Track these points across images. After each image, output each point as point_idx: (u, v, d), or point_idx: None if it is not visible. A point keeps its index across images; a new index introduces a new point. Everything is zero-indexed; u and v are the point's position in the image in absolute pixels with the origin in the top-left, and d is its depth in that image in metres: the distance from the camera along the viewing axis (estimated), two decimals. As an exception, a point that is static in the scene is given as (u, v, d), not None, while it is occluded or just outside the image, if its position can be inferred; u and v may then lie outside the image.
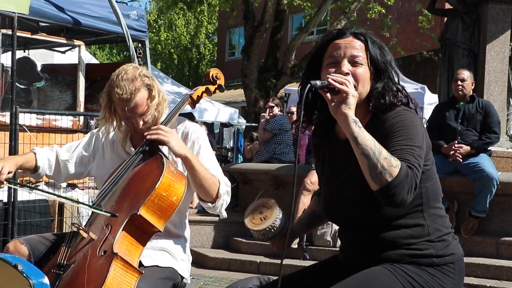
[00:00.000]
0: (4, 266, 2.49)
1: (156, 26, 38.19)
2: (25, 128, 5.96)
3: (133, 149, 3.07)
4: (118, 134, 3.13)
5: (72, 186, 6.49)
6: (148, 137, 2.86)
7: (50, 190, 5.81)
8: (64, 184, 6.20)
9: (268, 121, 8.70)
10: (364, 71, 2.34)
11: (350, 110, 2.19)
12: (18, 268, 2.46)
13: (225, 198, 2.98)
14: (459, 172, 6.43)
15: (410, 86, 13.91)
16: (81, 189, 6.52)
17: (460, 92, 6.59)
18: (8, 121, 5.78)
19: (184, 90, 16.82)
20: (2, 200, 5.63)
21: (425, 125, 5.52)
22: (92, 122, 7.89)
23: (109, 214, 2.69)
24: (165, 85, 16.49)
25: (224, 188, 2.96)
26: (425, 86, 14.25)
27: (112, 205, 2.78)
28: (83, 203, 2.74)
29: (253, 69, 15.40)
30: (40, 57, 9.33)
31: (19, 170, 3.22)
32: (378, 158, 2.09)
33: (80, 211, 5.96)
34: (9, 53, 6.02)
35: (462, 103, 6.62)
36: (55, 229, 5.92)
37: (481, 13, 7.57)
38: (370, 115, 2.38)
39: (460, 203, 6.52)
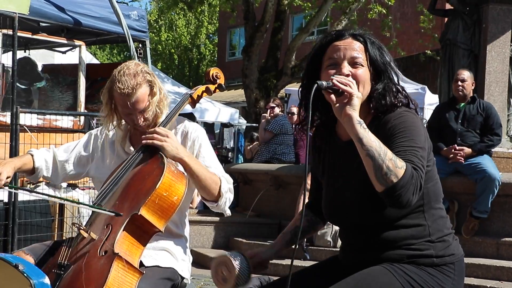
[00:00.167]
0: (5, 266, 2.49)
1: (157, 26, 38.19)
2: (26, 128, 5.96)
3: (132, 149, 3.06)
4: (118, 132, 3.12)
5: (73, 186, 6.48)
6: (143, 142, 2.86)
7: (51, 191, 5.83)
8: (64, 184, 6.20)
9: (268, 122, 8.71)
10: (364, 72, 2.34)
11: (354, 112, 2.20)
12: (19, 268, 2.46)
13: (228, 196, 2.98)
14: (460, 172, 6.43)
15: (411, 87, 13.91)
16: (82, 189, 6.52)
17: (460, 92, 6.59)
18: (8, 121, 5.78)
19: (184, 90, 16.80)
20: (2, 200, 5.63)
21: (425, 126, 5.51)
22: (94, 122, 7.89)
23: (113, 214, 2.68)
24: (166, 85, 16.47)
25: (226, 186, 2.96)
26: (426, 87, 14.26)
27: (112, 205, 2.78)
28: (85, 204, 2.73)
29: (254, 69, 15.40)
30: (41, 57, 9.33)
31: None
32: (383, 159, 2.09)
33: (81, 211, 5.96)
34: (10, 53, 6.02)
35: (462, 104, 6.62)
36: (56, 229, 5.92)
37: (482, 14, 7.57)
38: (371, 117, 2.38)
39: (460, 203, 6.52)
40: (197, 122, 12.39)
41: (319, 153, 2.58)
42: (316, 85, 2.23)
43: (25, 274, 2.44)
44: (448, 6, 8.50)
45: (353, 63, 2.34)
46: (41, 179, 3.27)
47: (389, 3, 16.56)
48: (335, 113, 2.25)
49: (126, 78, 2.88)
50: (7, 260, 2.51)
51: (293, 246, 2.36)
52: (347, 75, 2.29)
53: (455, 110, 6.62)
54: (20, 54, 7.17)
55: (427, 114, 12.59)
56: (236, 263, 2.49)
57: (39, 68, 8.16)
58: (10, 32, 6.00)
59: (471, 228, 6.35)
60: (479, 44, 7.55)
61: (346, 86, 2.22)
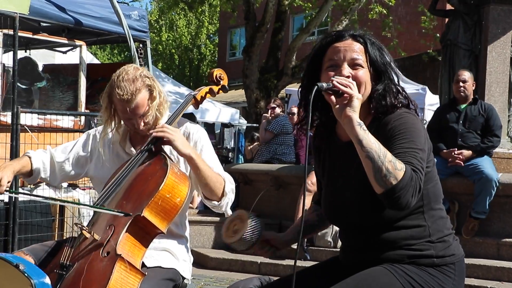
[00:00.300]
0: (6, 266, 2.49)
1: (157, 26, 38.18)
2: (27, 128, 5.96)
3: (133, 150, 3.06)
4: (115, 135, 3.12)
5: (73, 186, 6.48)
6: (154, 134, 2.84)
7: (51, 192, 5.82)
8: (65, 184, 6.20)
9: (269, 122, 8.70)
10: (364, 73, 2.34)
11: (354, 113, 2.20)
12: (20, 268, 2.46)
13: (230, 196, 2.98)
14: (460, 173, 6.44)
15: (411, 87, 13.90)
16: (82, 189, 6.52)
17: (462, 93, 6.61)
18: (9, 121, 5.78)
19: (185, 91, 16.82)
20: (3, 200, 5.62)
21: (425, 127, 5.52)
22: (95, 122, 7.89)
23: (122, 214, 2.68)
24: (166, 86, 16.49)
25: (230, 186, 2.97)
26: (426, 87, 14.24)
27: (115, 206, 2.78)
28: (93, 206, 2.71)
29: (254, 69, 15.39)
30: (42, 57, 9.33)
31: None
32: (383, 161, 2.10)
33: (81, 212, 5.95)
34: (11, 53, 6.02)
35: (464, 105, 6.64)
36: (56, 229, 5.92)
37: (483, 14, 7.57)
38: (371, 117, 2.38)
39: (461, 204, 6.53)
40: (197, 122, 12.38)
41: (319, 153, 2.58)
42: (316, 87, 2.23)
43: (25, 274, 2.44)
44: (448, 7, 8.50)
45: (353, 65, 2.34)
46: (38, 180, 3.26)
47: (390, 3, 16.55)
48: (335, 115, 2.25)
49: (125, 83, 2.88)
50: (8, 260, 2.51)
51: (295, 247, 2.36)
52: (348, 77, 2.29)
53: (456, 111, 6.64)
54: (20, 54, 7.16)
55: (428, 114, 12.59)
56: (251, 219, 2.55)
57: (40, 68, 8.16)
58: (11, 32, 6.00)
59: (471, 229, 6.36)
60: (480, 44, 7.55)
61: (346, 87, 2.23)
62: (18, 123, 5.60)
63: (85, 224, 2.88)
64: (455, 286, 2.34)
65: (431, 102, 13.43)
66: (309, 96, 2.23)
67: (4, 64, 6.67)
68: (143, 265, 2.76)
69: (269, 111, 8.90)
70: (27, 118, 6.12)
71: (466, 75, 6.66)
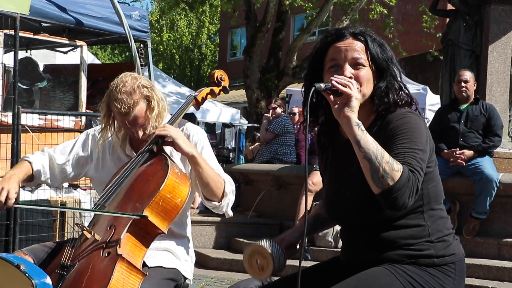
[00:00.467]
0: (7, 266, 2.49)
1: (158, 26, 38.20)
2: (28, 128, 5.96)
3: (134, 152, 3.07)
4: (115, 138, 3.12)
5: (74, 187, 6.48)
6: (156, 133, 2.84)
7: (52, 192, 5.82)
8: (65, 185, 6.20)
9: (270, 122, 8.70)
10: (366, 72, 2.34)
11: (353, 113, 2.20)
12: (21, 268, 2.46)
13: (231, 197, 2.99)
14: (461, 173, 6.44)
15: (412, 87, 13.89)
16: (83, 190, 6.52)
17: (463, 93, 6.62)
18: (10, 121, 5.78)
19: (186, 91, 16.81)
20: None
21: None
22: (96, 123, 7.88)
23: (138, 217, 2.68)
24: (167, 86, 16.49)
25: (230, 187, 2.97)
26: (427, 87, 14.24)
27: (116, 207, 2.78)
28: (107, 212, 2.70)
29: (255, 69, 15.40)
30: (42, 58, 9.32)
31: None
32: (380, 162, 2.10)
33: (82, 212, 5.95)
34: (11, 53, 6.02)
35: (465, 105, 6.65)
36: (57, 229, 5.92)
37: (484, 14, 7.57)
38: (374, 115, 2.38)
39: (462, 204, 6.53)
40: (198, 123, 12.31)
41: (323, 150, 2.58)
42: (313, 88, 2.23)
43: (26, 274, 2.44)
44: (449, 7, 8.50)
45: (355, 64, 2.34)
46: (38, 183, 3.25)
47: (390, 3, 16.55)
48: (334, 114, 2.25)
49: (122, 96, 2.88)
50: (9, 260, 2.51)
51: (298, 247, 2.36)
52: (349, 78, 2.29)
53: (458, 111, 6.64)
54: (21, 54, 7.16)
55: (429, 114, 12.58)
56: (269, 249, 2.51)
57: (41, 68, 8.16)
58: (11, 32, 6.00)
59: (471, 229, 6.36)
60: (481, 44, 7.55)
61: (345, 87, 2.22)
62: (19, 123, 5.60)
63: (86, 224, 2.88)
64: (455, 286, 2.33)
65: (432, 102, 13.43)
66: (308, 97, 2.24)
67: (5, 65, 6.66)
68: (144, 264, 2.76)
69: (270, 111, 8.90)
70: (28, 118, 6.12)
71: (468, 75, 6.66)
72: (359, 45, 2.36)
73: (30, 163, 3.10)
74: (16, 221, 5.50)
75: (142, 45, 8.13)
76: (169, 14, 34.99)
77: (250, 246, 2.61)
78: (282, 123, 8.64)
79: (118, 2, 7.62)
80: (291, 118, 9.01)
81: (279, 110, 8.88)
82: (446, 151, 6.46)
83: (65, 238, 5.62)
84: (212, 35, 39.93)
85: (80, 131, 7.02)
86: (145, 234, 2.72)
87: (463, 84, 6.62)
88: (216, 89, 3.26)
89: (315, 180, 6.67)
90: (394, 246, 2.32)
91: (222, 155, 15.46)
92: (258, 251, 2.55)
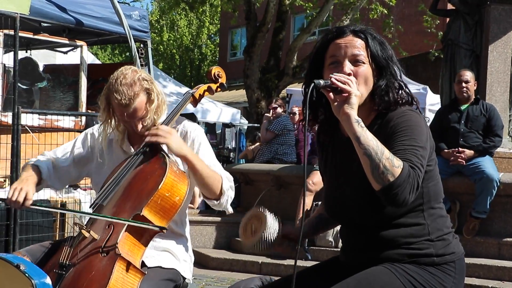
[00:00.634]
0: (6, 266, 2.49)
1: (158, 26, 38.20)
2: (28, 128, 5.96)
3: (132, 148, 3.06)
4: (116, 133, 3.12)
5: (74, 187, 6.48)
6: (146, 140, 2.85)
7: (52, 192, 5.81)
8: (66, 185, 6.19)
9: (270, 122, 8.70)
10: (366, 69, 2.34)
11: (352, 110, 2.19)
12: (20, 268, 2.46)
13: (229, 194, 2.99)
14: (461, 173, 6.45)
15: (412, 87, 13.84)
16: (83, 190, 6.51)
17: (464, 94, 6.62)
18: (10, 121, 5.78)
19: (186, 91, 16.78)
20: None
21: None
22: (96, 123, 7.87)
23: (157, 228, 2.69)
24: (168, 86, 16.48)
25: (227, 183, 2.97)
26: (427, 87, 14.23)
27: (114, 205, 2.78)
28: (127, 220, 2.69)
29: (255, 69, 15.39)
30: (42, 58, 9.32)
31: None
32: (380, 158, 2.10)
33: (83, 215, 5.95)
34: (11, 53, 6.01)
35: (465, 105, 6.65)
36: (57, 229, 5.92)
37: (484, 14, 7.57)
38: (375, 114, 2.38)
39: (462, 204, 6.53)
40: (198, 123, 12.30)
41: (323, 149, 2.57)
42: (313, 84, 2.23)
43: (26, 274, 2.44)
44: (449, 7, 8.49)
45: (355, 61, 2.33)
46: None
47: (390, 3, 16.54)
48: (334, 111, 2.25)
49: (123, 88, 2.88)
50: (9, 260, 2.51)
51: (296, 247, 2.35)
52: (349, 74, 2.29)
53: (458, 111, 6.64)
54: (21, 54, 7.16)
55: (428, 114, 12.58)
56: (268, 216, 2.51)
57: (41, 68, 8.15)
58: (11, 32, 6.00)
59: (471, 228, 6.36)
60: (481, 44, 7.55)
61: (345, 84, 2.22)
62: (19, 123, 5.60)
63: (84, 223, 2.87)
64: (455, 284, 2.33)
65: (432, 101, 13.42)
66: (307, 93, 2.24)
67: (4, 65, 6.66)
68: (143, 264, 2.76)
69: (271, 110, 8.90)
70: (28, 119, 6.12)
71: (468, 75, 6.66)
72: (359, 42, 2.36)
73: (37, 166, 3.09)
74: (16, 221, 5.50)
75: (142, 45, 8.13)
76: (169, 14, 34.99)
77: (252, 209, 2.61)
78: (283, 123, 8.64)
79: (118, 2, 7.63)
80: (291, 118, 9.01)
81: (279, 110, 8.88)
82: (446, 150, 6.47)
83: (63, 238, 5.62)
84: (212, 35, 39.93)
85: (80, 131, 7.02)
86: (144, 232, 2.72)
87: (463, 84, 6.62)
88: (214, 86, 3.25)
89: (315, 180, 6.67)
90: (394, 245, 2.32)
91: (222, 155, 15.45)
92: (256, 215, 2.56)
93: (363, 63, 2.34)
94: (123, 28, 7.55)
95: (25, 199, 2.86)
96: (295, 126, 8.92)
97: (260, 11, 16.16)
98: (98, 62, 16.66)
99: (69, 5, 7.45)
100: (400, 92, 2.37)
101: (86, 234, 2.70)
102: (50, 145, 5.85)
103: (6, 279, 2.49)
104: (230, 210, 3.06)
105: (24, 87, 7.50)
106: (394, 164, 2.09)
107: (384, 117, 2.33)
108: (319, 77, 2.33)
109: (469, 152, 6.38)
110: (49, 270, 2.66)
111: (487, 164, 6.31)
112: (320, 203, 2.82)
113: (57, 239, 5.79)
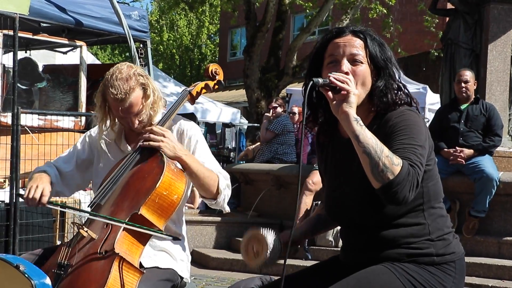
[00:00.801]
0: (6, 267, 2.49)
1: (158, 26, 38.21)
2: (27, 129, 5.96)
3: (129, 147, 3.06)
4: (110, 133, 3.11)
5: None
6: (140, 144, 2.86)
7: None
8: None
9: (270, 121, 8.70)
10: (364, 69, 2.34)
11: (351, 109, 2.19)
12: (20, 268, 2.46)
13: (226, 193, 2.98)
14: (461, 172, 6.45)
15: (412, 86, 13.88)
16: (84, 190, 6.50)
17: (464, 94, 6.62)
18: (10, 122, 5.78)
19: (186, 91, 16.76)
20: (4, 201, 5.62)
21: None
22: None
23: (171, 237, 2.69)
24: (168, 86, 16.48)
25: (224, 182, 2.96)
26: (427, 86, 14.23)
27: (112, 204, 2.78)
28: (143, 227, 2.69)
29: (255, 69, 15.40)
30: (42, 58, 9.32)
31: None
32: (379, 156, 2.09)
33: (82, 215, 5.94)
34: (11, 53, 6.01)
35: (465, 104, 6.65)
36: (57, 229, 5.91)
37: (483, 13, 7.57)
38: (373, 114, 2.38)
39: (462, 203, 6.53)
40: (198, 122, 12.25)
41: (322, 149, 2.58)
42: (311, 82, 2.23)
43: (26, 275, 2.44)
44: (449, 6, 8.49)
45: (353, 60, 2.34)
46: None
47: (390, 2, 16.54)
48: (333, 110, 2.25)
49: (118, 82, 2.87)
50: (8, 260, 2.50)
51: (299, 246, 2.36)
52: (346, 73, 2.29)
53: (458, 110, 6.65)
54: (21, 54, 7.15)
55: (428, 114, 12.58)
56: (267, 236, 2.51)
57: (40, 69, 8.15)
58: (11, 32, 5.99)
59: (471, 228, 6.36)
60: (481, 43, 7.55)
61: (343, 83, 2.22)
62: (19, 123, 5.59)
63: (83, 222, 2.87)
64: (455, 284, 2.33)
65: (432, 101, 13.42)
66: (308, 91, 2.24)
67: (4, 65, 6.66)
68: (141, 265, 2.75)
69: (271, 110, 8.90)
70: (28, 119, 6.12)
71: (468, 75, 6.66)
72: (358, 42, 2.36)
73: (44, 171, 3.07)
74: (16, 221, 5.50)
75: (141, 45, 8.13)
76: (169, 14, 35.00)
77: (249, 231, 2.60)
78: (282, 122, 8.64)
79: (118, 2, 7.63)
80: (291, 117, 9.01)
81: (279, 109, 8.88)
82: (446, 150, 6.47)
83: (65, 239, 5.62)
84: (212, 35, 39.94)
85: (80, 132, 7.03)
86: (142, 232, 2.71)
87: (463, 84, 6.62)
88: (211, 83, 3.25)
89: (315, 180, 6.66)
90: (394, 244, 2.31)
91: (222, 155, 15.45)
92: (256, 237, 2.55)
93: (361, 63, 2.34)
94: (123, 28, 7.55)
95: (42, 195, 2.86)
96: (295, 126, 8.93)
97: (260, 10, 16.17)
98: (98, 62, 16.67)
99: (68, 5, 7.45)
100: (398, 93, 2.37)
101: (84, 234, 2.69)
102: (49, 145, 5.85)
103: (5, 279, 2.49)
104: (227, 209, 3.06)
105: (24, 87, 7.49)
106: (393, 162, 2.09)
107: (383, 117, 2.33)
108: (319, 77, 2.33)
109: (468, 152, 6.39)
110: (48, 270, 2.65)
111: (486, 163, 6.31)
112: (320, 202, 2.81)
113: (57, 239, 5.80)
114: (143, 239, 2.73)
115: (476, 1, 7.62)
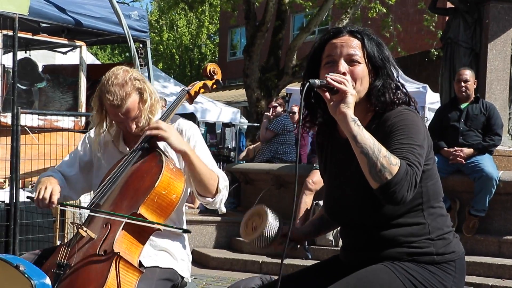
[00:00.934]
0: (6, 267, 2.49)
1: (158, 26, 38.20)
2: (27, 129, 5.95)
3: (127, 148, 3.06)
4: (107, 135, 3.11)
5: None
6: (147, 133, 2.83)
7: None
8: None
9: (270, 121, 8.70)
10: (361, 69, 2.34)
11: (349, 109, 2.19)
12: (20, 268, 2.46)
13: (224, 193, 2.98)
14: (461, 171, 6.45)
15: (412, 86, 13.88)
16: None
17: (463, 93, 6.63)
18: (9, 122, 5.78)
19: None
20: (4, 201, 5.63)
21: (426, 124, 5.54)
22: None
23: (181, 231, 2.68)
24: (168, 86, 16.48)
25: (223, 183, 2.96)
26: (427, 85, 14.23)
27: (111, 204, 2.78)
28: (147, 221, 2.69)
29: (255, 69, 15.40)
30: (42, 58, 9.32)
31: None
32: (377, 156, 2.09)
33: (83, 213, 5.94)
34: (10, 54, 6.01)
35: (465, 103, 6.65)
36: (57, 230, 5.92)
37: (483, 12, 7.57)
38: (372, 114, 2.38)
39: (462, 202, 6.53)
40: (198, 122, 12.26)
41: (322, 150, 2.58)
42: (308, 83, 2.23)
43: (26, 275, 2.44)
44: (449, 5, 8.50)
45: (350, 60, 2.34)
46: None
47: (390, 2, 16.54)
48: (330, 111, 2.25)
49: (114, 88, 2.87)
50: (8, 260, 2.50)
51: (285, 245, 2.36)
52: (343, 73, 2.29)
53: (458, 110, 6.65)
54: (20, 54, 7.15)
55: (428, 113, 12.57)
56: (270, 216, 2.50)
57: (40, 69, 8.15)
58: (10, 33, 5.99)
59: (471, 227, 6.36)
60: (480, 42, 7.55)
61: (340, 84, 2.22)
62: (18, 124, 5.59)
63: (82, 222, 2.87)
64: (455, 284, 2.33)
65: (432, 100, 13.42)
66: (305, 93, 2.24)
67: (4, 65, 6.66)
68: (141, 264, 2.75)
69: (271, 109, 8.90)
70: (27, 119, 6.12)
71: (468, 74, 6.66)
72: (355, 42, 2.36)
73: (51, 175, 3.07)
74: (16, 222, 5.50)
75: (141, 45, 8.12)
76: (168, 14, 35.00)
77: (254, 207, 2.59)
78: (282, 122, 8.64)
79: (117, 2, 7.62)
80: (291, 117, 9.00)
81: (279, 109, 8.88)
82: (446, 149, 6.47)
83: (65, 239, 5.62)
84: (211, 35, 39.94)
85: (80, 132, 7.03)
86: (141, 231, 2.71)
87: (463, 83, 6.62)
88: (209, 83, 3.24)
89: (315, 179, 6.66)
90: (394, 243, 2.32)
91: (222, 154, 15.45)
92: (258, 212, 2.55)
93: (359, 63, 2.34)
94: (122, 28, 7.55)
95: (52, 194, 2.86)
96: (295, 125, 8.92)
97: (260, 10, 16.18)
98: (97, 62, 16.68)
99: (68, 6, 7.45)
100: (397, 92, 2.37)
101: (84, 234, 2.69)
102: (49, 145, 5.85)
103: (5, 279, 2.49)
104: (223, 209, 3.05)
105: (24, 87, 7.49)
106: (391, 162, 2.09)
107: (381, 116, 2.33)
108: (317, 78, 2.33)
109: (468, 151, 6.39)
110: (47, 270, 2.65)
111: (486, 162, 6.32)
112: (320, 202, 2.82)
113: (57, 239, 5.80)
114: (142, 239, 2.72)
115: (475, 0, 7.62)
